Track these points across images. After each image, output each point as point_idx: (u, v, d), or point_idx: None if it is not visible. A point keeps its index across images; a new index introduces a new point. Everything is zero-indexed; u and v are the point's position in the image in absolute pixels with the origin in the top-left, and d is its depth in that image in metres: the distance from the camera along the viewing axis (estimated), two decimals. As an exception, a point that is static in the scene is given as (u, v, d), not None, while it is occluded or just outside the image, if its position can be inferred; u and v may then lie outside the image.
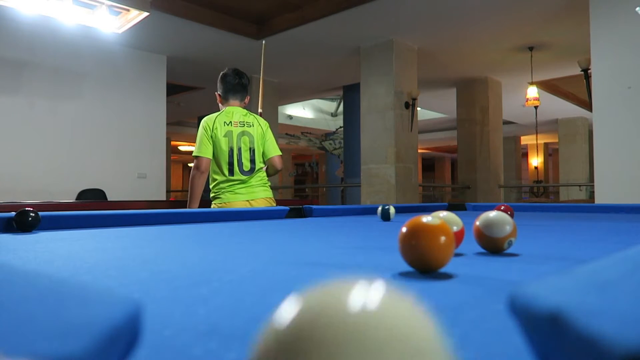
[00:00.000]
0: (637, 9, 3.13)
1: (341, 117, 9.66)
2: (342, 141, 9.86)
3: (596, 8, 4.25)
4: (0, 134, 5.22)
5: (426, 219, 0.61)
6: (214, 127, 2.74)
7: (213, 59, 6.54)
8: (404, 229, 0.60)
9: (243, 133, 2.78)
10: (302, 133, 12.77)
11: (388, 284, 0.19)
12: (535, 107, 7.30)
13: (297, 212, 2.15)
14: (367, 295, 0.18)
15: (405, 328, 0.17)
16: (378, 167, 6.03)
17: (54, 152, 5.55)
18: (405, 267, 0.63)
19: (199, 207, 2.79)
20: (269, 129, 2.91)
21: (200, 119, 2.88)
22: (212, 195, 2.82)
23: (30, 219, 1.30)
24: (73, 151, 5.70)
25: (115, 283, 0.59)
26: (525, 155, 17.13)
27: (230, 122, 2.77)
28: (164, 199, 6.70)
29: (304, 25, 5.46)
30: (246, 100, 2.94)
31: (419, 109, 7.12)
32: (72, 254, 0.88)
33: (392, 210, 1.81)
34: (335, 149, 11.75)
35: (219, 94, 2.87)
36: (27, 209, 1.32)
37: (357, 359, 0.15)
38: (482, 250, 0.82)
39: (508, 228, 0.78)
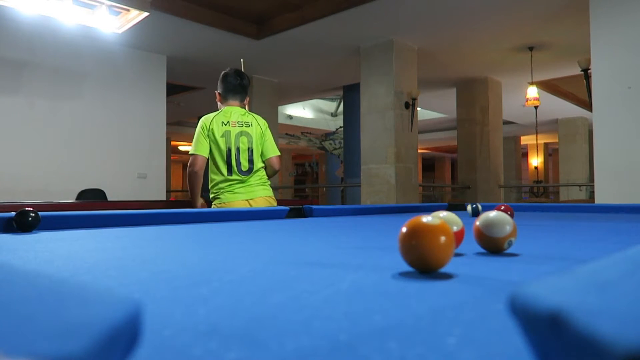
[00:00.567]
0: None
1: (341, 117, 9.66)
2: (342, 141, 9.86)
3: (596, 8, 4.25)
4: (0, 134, 5.22)
5: (426, 219, 0.61)
6: (211, 126, 2.73)
7: (213, 59, 6.54)
8: (404, 229, 0.60)
9: (241, 133, 2.77)
10: (302, 133, 12.77)
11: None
12: (535, 107, 7.30)
13: (297, 212, 2.15)
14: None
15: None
16: (378, 167, 6.03)
17: (54, 152, 5.55)
18: (405, 267, 0.63)
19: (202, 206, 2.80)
20: (268, 128, 2.90)
21: (200, 118, 2.88)
22: (211, 195, 2.82)
23: (30, 219, 1.30)
24: (73, 151, 5.69)
25: (115, 283, 0.59)
26: (525, 155, 17.14)
27: (228, 122, 2.76)
28: (164, 199, 6.70)
29: (304, 25, 5.46)
30: (246, 102, 2.94)
31: (419, 109, 7.12)
32: (72, 254, 0.88)
33: (479, 207, 2.21)
34: (335, 149, 11.76)
35: (219, 93, 2.87)
36: (27, 209, 1.32)
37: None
38: (482, 250, 0.82)
39: (508, 228, 0.78)
